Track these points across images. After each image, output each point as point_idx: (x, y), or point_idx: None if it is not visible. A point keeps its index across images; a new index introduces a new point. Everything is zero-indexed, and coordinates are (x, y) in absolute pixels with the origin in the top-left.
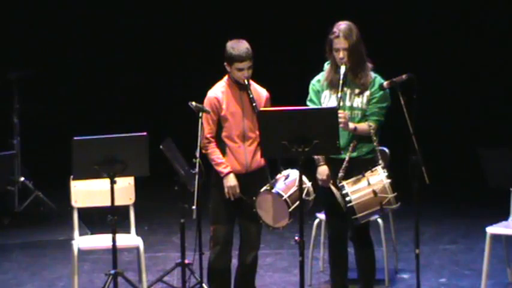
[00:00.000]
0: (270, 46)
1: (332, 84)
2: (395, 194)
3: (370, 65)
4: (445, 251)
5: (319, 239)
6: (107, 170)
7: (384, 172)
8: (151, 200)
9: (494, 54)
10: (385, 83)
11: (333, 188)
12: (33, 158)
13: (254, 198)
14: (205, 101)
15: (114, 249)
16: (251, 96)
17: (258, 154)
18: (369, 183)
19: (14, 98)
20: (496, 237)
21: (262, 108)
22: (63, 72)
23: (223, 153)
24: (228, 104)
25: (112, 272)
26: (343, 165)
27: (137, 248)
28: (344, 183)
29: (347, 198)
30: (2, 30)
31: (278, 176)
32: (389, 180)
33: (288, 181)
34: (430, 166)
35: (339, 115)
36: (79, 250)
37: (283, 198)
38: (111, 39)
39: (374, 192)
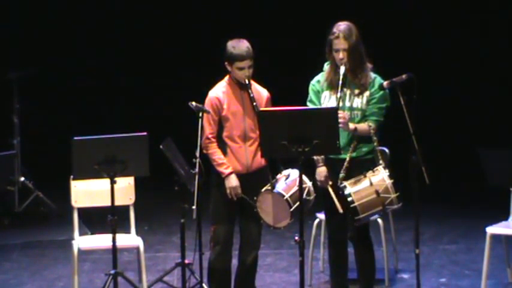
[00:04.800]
0: (270, 46)
1: (332, 85)
2: (398, 194)
3: (369, 66)
4: (445, 251)
5: (319, 239)
6: (107, 170)
7: (386, 172)
8: (151, 200)
9: (495, 54)
10: (385, 83)
11: (330, 190)
12: (33, 158)
13: (255, 198)
14: (206, 101)
15: (114, 249)
16: (252, 95)
17: (259, 154)
18: (371, 184)
19: (14, 98)
20: (496, 237)
21: (262, 108)
22: (63, 72)
23: (224, 153)
24: (229, 104)
25: (112, 272)
26: (344, 166)
27: (137, 248)
28: (346, 183)
29: (349, 199)
30: (2, 30)
31: (279, 175)
32: (391, 180)
33: (288, 181)
34: (430, 166)
35: (339, 115)
36: (79, 250)
37: (285, 198)
38: (112, 39)
39: (377, 192)
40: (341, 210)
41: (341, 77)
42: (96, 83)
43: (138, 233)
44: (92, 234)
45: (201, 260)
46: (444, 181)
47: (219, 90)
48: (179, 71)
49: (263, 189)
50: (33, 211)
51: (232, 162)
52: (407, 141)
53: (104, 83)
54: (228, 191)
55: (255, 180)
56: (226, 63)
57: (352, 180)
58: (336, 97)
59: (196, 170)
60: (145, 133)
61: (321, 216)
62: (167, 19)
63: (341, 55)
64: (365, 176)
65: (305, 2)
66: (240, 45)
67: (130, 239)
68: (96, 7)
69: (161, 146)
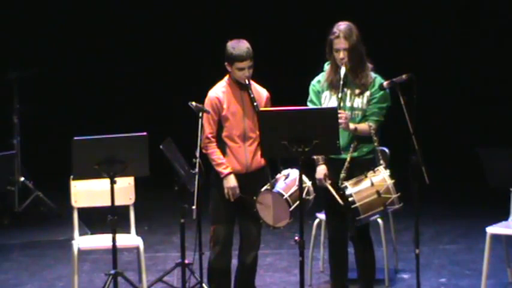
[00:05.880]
0: (270, 46)
1: (332, 85)
2: (399, 194)
3: (370, 65)
4: (445, 251)
5: (319, 239)
6: (107, 170)
7: (387, 172)
8: (151, 200)
9: (495, 54)
10: (385, 83)
11: (330, 188)
12: (33, 158)
13: (254, 197)
14: (206, 100)
15: (114, 249)
16: (252, 96)
17: (258, 154)
18: (372, 184)
19: (14, 98)
20: (496, 237)
21: (262, 108)
22: (63, 72)
23: (224, 153)
24: (229, 103)
25: (112, 272)
26: (345, 166)
27: (137, 248)
28: (347, 184)
29: (350, 199)
30: (2, 30)
31: (278, 175)
32: (392, 181)
33: (288, 180)
34: (430, 166)
35: (340, 115)
36: (79, 250)
37: (284, 197)
38: (112, 39)
39: (378, 192)
40: (342, 202)
41: (342, 77)
42: (97, 83)
43: (138, 233)
44: (91, 234)
45: (201, 260)
46: (444, 181)
47: (219, 90)
48: (179, 71)
49: (262, 189)
50: (33, 211)
51: (231, 162)
52: (407, 141)
53: (104, 82)
54: (225, 191)
55: (255, 180)
56: (226, 63)
57: (353, 181)
58: (337, 97)
59: (196, 170)
60: (145, 133)
61: (321, 216)
62: (167, 19)
63: (341, 55)
64: (366, 176)
65: (305, 2)
66: (240, 46)
67: (130, 239)
68: (96, 7)
69: (161, 146)
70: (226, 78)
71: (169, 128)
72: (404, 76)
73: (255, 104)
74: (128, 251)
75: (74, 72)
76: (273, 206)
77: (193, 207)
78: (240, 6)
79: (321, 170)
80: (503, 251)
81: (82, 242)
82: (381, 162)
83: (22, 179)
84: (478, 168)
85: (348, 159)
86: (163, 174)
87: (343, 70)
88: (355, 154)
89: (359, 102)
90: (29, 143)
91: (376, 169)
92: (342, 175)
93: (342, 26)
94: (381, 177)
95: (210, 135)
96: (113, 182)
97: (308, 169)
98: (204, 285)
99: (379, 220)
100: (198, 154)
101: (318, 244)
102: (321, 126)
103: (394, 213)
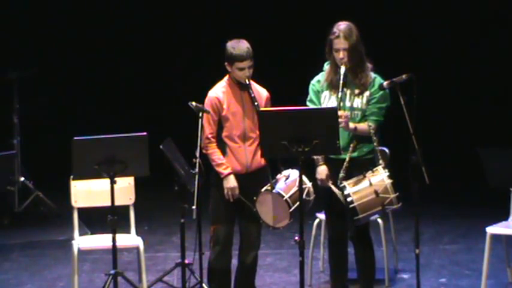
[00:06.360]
0: (270, 46)
1: (332, 85)
2: (397, 194)
3: (369, 65)
4: (445, 251)
5: (319, 239)
6: (107, 170)
7: (385, 172)
8: (151, 200)
9: (495, 54)
10: (385, 83)
11: (333, 187)
12: (33, 158)
13: (255, 198)
14: (206, 101)
15: (114, 249)
16: (252, 95)
17: (259, 154)
18: (370, 184)
19: (14, 98)
20: (496, 237)
21: (262, 108)
22: (63, 72)
23: (224, 153)
24: (229, 103)
25: (112, 272)
26: (344, 166)
27: (137, 248)
28: (345, 183)
29: (349, 199)
30: (2, 30)
31: (278, 176)
32: (390, 181)
33: (288, 181)
34: (430, 166)
35: (340, 115)
36: (79, 250)
37: (284, 198)
38: (112, 39)
39: (376, 192)
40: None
41: (341, 77)
42: (96, 83)
43: (138, 233)
44: (91, 234)
45: (201, 260)
46: (444, 181)
47: (219, 90)
48: (179, 70)
49: (263, 190)
50: (33, 211)
51: (231, 162)
52: (407, 141)
53: (104, 82)
54: (225, 192)
55: (255, 180)
56: (226, 63)
57: (352, 181)
58: (337, 97)
59: (196, 170)
60: (145, 133)
61: (321, 216)
62: (167, 19)
63: (341, 55)
64: (364, 176)
65: (305, 2)
66: (239, 46)
67: (130, 239)
68: (96, 7)
69: (161, 146)
70: (226, 78)
71: (169, 128)
72: (404, 76)
73: (255, 103)
74: (127, 251)
75: (74, 72)
76: (273, 206)
77: (193, 207)
78: (240, 6)
79: (323, 171)
80: (503, 251)
81: (82, 242)
82: (380, 162)
83: (22, 179)
84: (478, 168)
85: (347, 159)
86: (163, 174)
87: (342, 70)
88: (355, 154)
89: (359, 102)
90: (29, 143)
91: (375, 169)
92: (341, 175)
93: (342, 26)
94: (379, 177)
95: (210, 136)
96: (112, 182)
97: (309, 170)
98: (204, 285)
99: (379, 220)
100: (198, 154)
101: (318, 244)
102: (321, 126)
103: (394, 213)
